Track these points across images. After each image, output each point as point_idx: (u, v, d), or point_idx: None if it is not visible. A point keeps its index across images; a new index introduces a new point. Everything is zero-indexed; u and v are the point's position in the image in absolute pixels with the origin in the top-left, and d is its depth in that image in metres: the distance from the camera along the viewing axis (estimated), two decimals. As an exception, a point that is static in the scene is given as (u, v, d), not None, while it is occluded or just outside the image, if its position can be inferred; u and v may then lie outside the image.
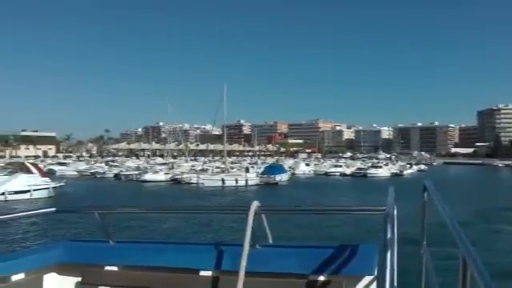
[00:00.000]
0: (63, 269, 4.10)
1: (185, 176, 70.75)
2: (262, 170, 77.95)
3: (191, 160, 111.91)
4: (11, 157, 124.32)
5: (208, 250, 3.74)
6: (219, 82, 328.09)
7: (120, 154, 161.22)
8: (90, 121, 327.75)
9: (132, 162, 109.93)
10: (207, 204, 41.81)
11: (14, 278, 3.82)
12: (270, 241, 3.87)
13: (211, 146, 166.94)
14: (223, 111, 78.93)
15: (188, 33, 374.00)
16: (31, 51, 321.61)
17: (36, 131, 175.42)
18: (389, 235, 2.40)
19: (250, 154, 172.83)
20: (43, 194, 48.05)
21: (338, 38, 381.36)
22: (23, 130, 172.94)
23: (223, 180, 65.10)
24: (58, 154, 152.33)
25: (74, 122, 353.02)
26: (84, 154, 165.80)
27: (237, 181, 65.46)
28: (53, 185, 50.51)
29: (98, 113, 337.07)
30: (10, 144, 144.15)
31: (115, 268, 3.94)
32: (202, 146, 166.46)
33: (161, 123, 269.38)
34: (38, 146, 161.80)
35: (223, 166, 79.98)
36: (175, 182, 70.03)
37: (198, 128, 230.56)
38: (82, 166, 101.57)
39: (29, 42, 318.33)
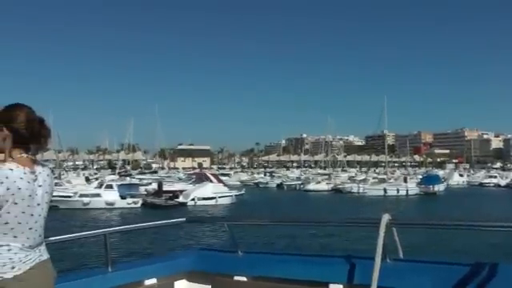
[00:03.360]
0: (193, 276, 4.29)
1: (346, 186, 73.82)
2: (419, 180, 79.30)
3: (342, 171, 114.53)
4: (169, 168, 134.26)
5: (338, 263, 3.74)
6: (360, 92, 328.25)
7: (270, 165, 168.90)
8: (239, 134, 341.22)
9: (290, 173, 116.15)
10: (371, 212, 44.15)
11: (147, 282, 4.08)
12: (401, 255, 3.77)
13: (358, 157, 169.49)
14: (384, 122, 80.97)
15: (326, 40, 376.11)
16: (186, 72, 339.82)
17: (191, 145, 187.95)
18: None
19: (396, 164, 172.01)
20: (227, 200, 53.22)
21: (480, 38, 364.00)
22: (179, 144, 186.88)
23: (385, 189, 67.27)
24: (213, 166, 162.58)
25: (225, 136, 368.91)
26: (236, 165, 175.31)
27: (398, 190, 67.26)
28: (235, 193, 56.21)
29: (246, 126, 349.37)
30: (168, 157, 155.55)
31: (244, 278, 4.04)
32: (348, 157, 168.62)
33: (304, 135, 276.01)
34: (194, 159, 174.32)
35: (380, 176, 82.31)
36: (336, 191, 73.20)
37: (340, 139, 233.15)
38: (244, 176, 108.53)
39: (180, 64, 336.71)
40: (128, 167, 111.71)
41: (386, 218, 3.38)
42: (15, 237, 2.71)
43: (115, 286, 3.87)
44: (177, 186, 59.97)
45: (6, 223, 2.67)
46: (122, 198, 50.61)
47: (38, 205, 2.81)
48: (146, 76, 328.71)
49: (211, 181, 58.14)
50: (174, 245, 24.03)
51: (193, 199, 51.57)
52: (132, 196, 52.13)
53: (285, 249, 20.55)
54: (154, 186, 62.12)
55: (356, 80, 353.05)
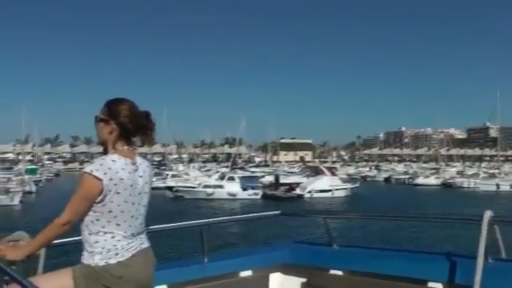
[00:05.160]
0: (288, 269, 4.26)
1: (457, 180, 73.55)
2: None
3: (446, 165, 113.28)
4: (273, 162, 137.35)
5: (437, 260, 3.63)
6: (459, 83, 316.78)
7: (371, 159, 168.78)
8: (336, 128, 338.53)
9: (394, 166, 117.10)
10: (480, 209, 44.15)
11: (242, 274, 4.11)
12: (503, 255, 3.60)
13: (461, 151, 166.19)
14: (497, 115, 79.94)
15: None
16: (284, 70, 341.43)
17: (293, 139, 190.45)
18: None
19: (502, 158, 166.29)
20: (342, 193, 55.49)
21: None
22: (282, 138, 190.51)
23: (497, 185, 66.27)
24: (315, 160, 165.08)
25: (324, 129, 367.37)
26: (336, 159, 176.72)
27: (511, 186, 66.12)
28: (350, 185, 58.40)
29: (343, 120, 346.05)
30: (275, 150, 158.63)
31: (340, 272, 3.97)
32: (452, 151, 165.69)
33: (403, 128, 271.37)
34: (296, 152, 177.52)
35: (491, 170, 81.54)
36: (446, 186, 73.06)
37: (441, 132, 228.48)
38: (351, 170, 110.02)
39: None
40: (239, 160, 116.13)
41: (488, 214, 3.25)
42: (118, 225, 2.82)
43: (211, 277, 3.97)
44: (292, 179, 62.87)
45: (110, 211, 2.79)
46: (243, 189, 54.05)
47: (139, 194, 2.91)
48: (252, 74, 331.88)
49: (325, 174, 59.95)
50: (269, 237, 23.57)
51: (309, 191, 53.97)
52: (252, 188, 55.26)
53: (381, 244, 19.87)
54: (268, 178, 65.40)
55: (458, 73, 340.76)
